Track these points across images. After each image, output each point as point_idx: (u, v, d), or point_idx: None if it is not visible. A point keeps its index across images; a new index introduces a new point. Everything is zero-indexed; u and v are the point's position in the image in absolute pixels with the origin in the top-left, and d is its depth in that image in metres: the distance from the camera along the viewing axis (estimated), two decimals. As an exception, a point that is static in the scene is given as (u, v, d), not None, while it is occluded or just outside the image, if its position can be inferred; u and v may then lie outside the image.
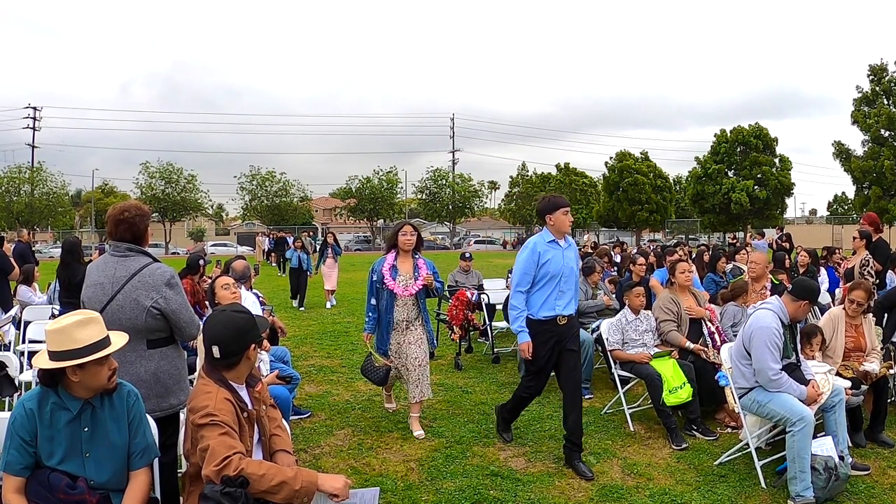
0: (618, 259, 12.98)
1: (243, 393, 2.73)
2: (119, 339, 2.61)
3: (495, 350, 8.06)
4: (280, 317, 8.23)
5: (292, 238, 24.62)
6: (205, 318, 3.16)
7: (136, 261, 3.14)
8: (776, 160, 44.05)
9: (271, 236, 28.95)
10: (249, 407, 2.71)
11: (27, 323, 6.49)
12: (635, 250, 15.65)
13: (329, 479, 2.52)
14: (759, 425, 4.46)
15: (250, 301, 5.51)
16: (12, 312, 7.20)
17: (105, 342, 2.51)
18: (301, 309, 13.00)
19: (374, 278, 5.20)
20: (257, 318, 2.83)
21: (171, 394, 3.14)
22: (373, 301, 5.23)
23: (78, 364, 2.42)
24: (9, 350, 5.96)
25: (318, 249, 15.41)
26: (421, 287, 5.16)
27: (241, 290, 5.30)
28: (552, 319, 4.48)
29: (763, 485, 4.16)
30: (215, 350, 2.63)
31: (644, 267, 8.18)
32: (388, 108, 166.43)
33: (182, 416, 3.16)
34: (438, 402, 6.03)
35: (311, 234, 28.41)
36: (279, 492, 2.40)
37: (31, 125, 53.88)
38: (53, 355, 2.43)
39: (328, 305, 13.60)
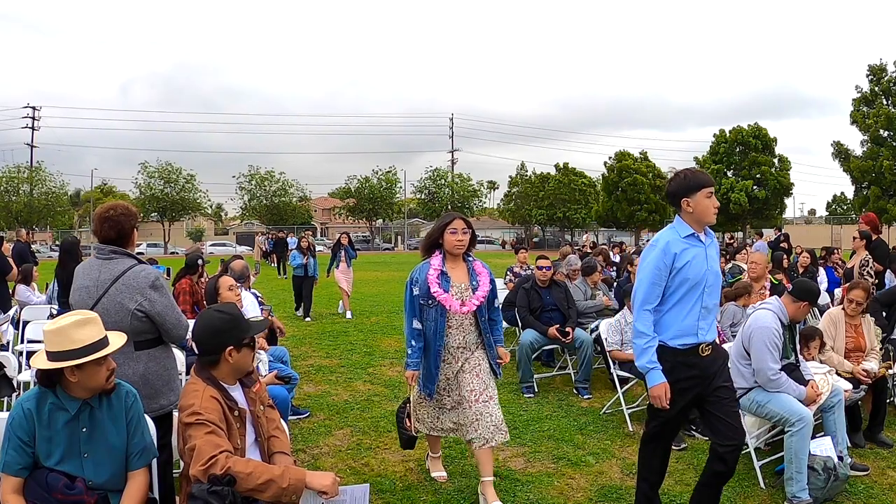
0: (616, 259, 13.02)
1: (236, 392, 2.74)
2: (117, 340, 2.61)
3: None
4: (279, 317, 8.22)
5: (295, 239, 24.36)
6: None
7: (119, 263, 3.12)
8: (775, 160, 44.14)
9: (270, 237, 28.91)
10: (240, 406, 2.71)
11: (26, 323, 6.48)
12: (633, 250, 15.67)
13: (317, 476, 2.52)
14: (757, 426, 4.46)
15: (249, 301, 5.51)
16: (11, 312, 7.19)
17: (103, 342, 2.51)
18: (307, 319, 11.62)
19: (416, 292, 3.85)
20: (248, 322, 2.79)
21: (160, 395, 3.13)
22: (415, 324, 3.86)
23: (76, 364, 2.42)
24: (7, 350, 5.95)
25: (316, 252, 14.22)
26: (483, 301, 3.86)
27: (240, 290, 5.29)
28: (693, 349, 3.26)
29: (762, 485, 4.16)
30: (196, 347, 2.71)
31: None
32: (387, 107, 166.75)
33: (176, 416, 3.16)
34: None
35: (311, 233, 28.36)
36: (267, 489, 2.40)
37: (30, 125, 54.01)
38: (51, 356, 2.43)
39: (349, 315, 11.92)
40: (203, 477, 2.37)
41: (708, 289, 3.28)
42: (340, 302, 12.42)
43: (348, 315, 11.93)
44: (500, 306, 4.09)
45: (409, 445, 4.18)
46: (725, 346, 4.84)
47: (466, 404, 3.83)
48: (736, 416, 3.36)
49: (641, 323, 3.25)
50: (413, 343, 3.89)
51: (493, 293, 3.99)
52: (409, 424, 4.06)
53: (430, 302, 3.81)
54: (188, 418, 2.50)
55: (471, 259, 3.99)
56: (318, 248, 12.52)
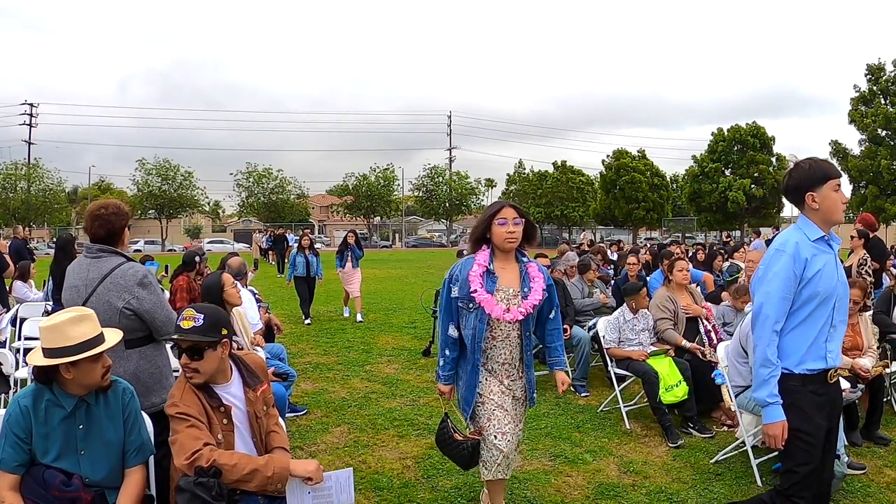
0: (614, 257, 13.04)
1: (228, 389, 2.75)
2: (113, 337, 2.60)
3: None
4: (276, 314, 8.22)
5: (293, 236, 24.18)
6: None
7: (107, 262, 3.11)
8: (773, 159, 44.20)
9: (269, 234, 28.90)
10: (226, 402, 2.71)
11: (23, 320, 6.46)
12: (630, 248, 15.69)
13: (301, 463, 2.58)
14: (755, 423, 4.46)
15: (247, 298, 5.50)
16: (13, 311, 7.17)
17: (98, 339, 2.50)
18: (308, 321, 10.89)
19: (455, 292, 3.27)
20: (176, 327, 2.72)
21: (152, 392, 3.12)
22: (451, 330, 3.30)
23: (71, 361, 2.41)
24: (3, 347, 5.94)
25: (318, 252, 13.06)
26: (532, 311, 3.23)
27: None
28: (821, 374, 2.79)
29: (759, 483, 4.16)
30: None
31: (636, 266, 8.20)
32: (385, 105, 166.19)
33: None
34: (435, 400, 6.02)
35: (310, 231, 28.29)
36: (252, 479, 2.46)
37: (28, 122, 53.83)
38: (47, 352, 2.43)
39: (346, 314, 11.57)
40: (189, 470, 2.42)
41: (839, 303, 2.82)
42: (346, 308, 11.77)
43: (346, 313, 11.61)
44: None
45: (472, 461, 3.34)
46: (722, 344, 4.86)
47: (514, 438, 3.30)
48: (832, 465, 2.96)
49: (771, 348, 2.73)
50: (447, 353, 3.33)
51: (549, 302, 3.38)
52: (461, 437, 3.32)
53: (469, 305, 3.21)
54: (169, 409, 2.58)
55: (525, 260, 3.34)
56: (315, 245, 12.12)
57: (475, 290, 3.16)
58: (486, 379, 3.28)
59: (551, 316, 3.43)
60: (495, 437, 3.21)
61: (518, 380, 3.34)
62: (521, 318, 3.19)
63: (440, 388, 3.42)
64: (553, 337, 3.47)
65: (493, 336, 3.25)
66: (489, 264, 3.22)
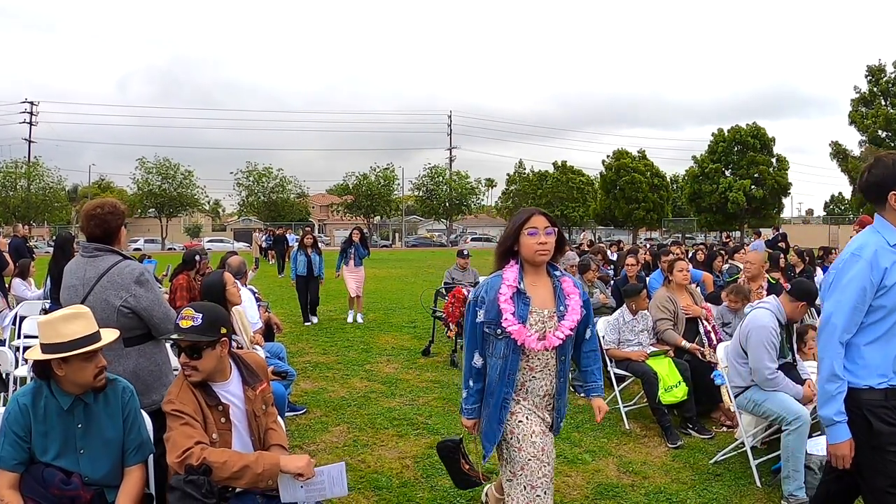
0: (614, 257, 13.03)
1: (227, 388, 2.75)
2: (109, 336, 2.60)
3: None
4: (276, 314, 8.21)
5: (296, 237, 24.03)
6: None
7: (104, 260, 3.11)
8: (773, 160, 44.27)
9: (269, 233, 28.82)
10: (223, 401, 2.71)
11: (22, 318, 6.46)
12: (629, 248, 15.68)
13: (292, 459, 2.57)
14: (754, 424, 4.47)
15: (247, 297, 5.49)
16: (15, 311, 7.16)
17: (92, 338, 2.49)
18: (308, 323, 10.64)
19: (481, 316, 2.85)
20: (175, 326, 2.73)
21: (152, 390, 3.11)
22: (476, 359, 2.90)
23: (61, 358, 2.41)
24: (3, 345, 5.93)
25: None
26: (571, 334, 2.84)
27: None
28: None
29: (758, 484, 4.17)
30: None
31: (636, 267, 8.20)
32: (385, 104, 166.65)
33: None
34: (434, 399, 6.03)
35: (311, 229, 28.15)
36: (243, 476, 2.46)
37: (28, 120, 53.74)
38: (43, 348, 2.45)
39: (350, 318, 11.01)
40: (179, 468, 2.43)
41: None
42: (351, 311, 11.23)
43: (351, 317, 11.06)
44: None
45: (467, 487, 3.26)
46: (722, 345, 4.86)
47: (544, 492, 2.82)
48: None
49: (838, 362, 2.56)
50: (471, 384, 2.93)
51: (586, 320, 2.97)
52: (469, 470, 3.17)
53: (497, 331, 2.79)
54: (166, 407, 2.59)
55: (558, 274, 2.92)
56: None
57: (507, 320, 2.75)
58: (527, 418, 2.85)
59: (587, 336, 3.05)
60: (524, 487, 2.78)
61: (550, 411, 2.98)
62: (557, 343, 2.79)
63: (464, 422, 3.04)
64: (590, 360, 3.11)
65: (531, 367, 2.84)
66: (519, 283, 2.80)
